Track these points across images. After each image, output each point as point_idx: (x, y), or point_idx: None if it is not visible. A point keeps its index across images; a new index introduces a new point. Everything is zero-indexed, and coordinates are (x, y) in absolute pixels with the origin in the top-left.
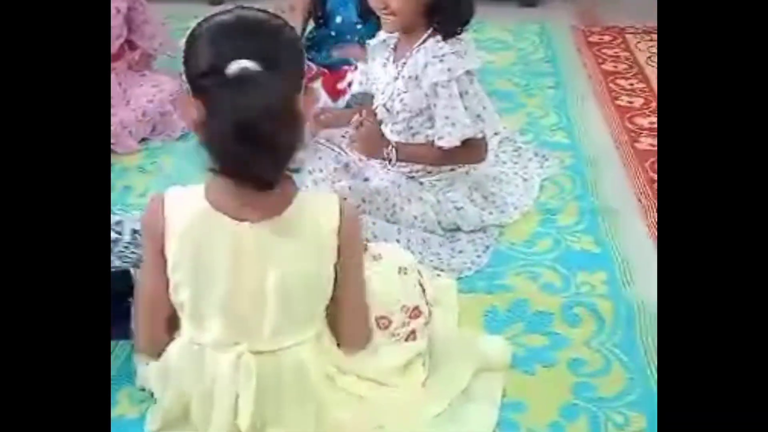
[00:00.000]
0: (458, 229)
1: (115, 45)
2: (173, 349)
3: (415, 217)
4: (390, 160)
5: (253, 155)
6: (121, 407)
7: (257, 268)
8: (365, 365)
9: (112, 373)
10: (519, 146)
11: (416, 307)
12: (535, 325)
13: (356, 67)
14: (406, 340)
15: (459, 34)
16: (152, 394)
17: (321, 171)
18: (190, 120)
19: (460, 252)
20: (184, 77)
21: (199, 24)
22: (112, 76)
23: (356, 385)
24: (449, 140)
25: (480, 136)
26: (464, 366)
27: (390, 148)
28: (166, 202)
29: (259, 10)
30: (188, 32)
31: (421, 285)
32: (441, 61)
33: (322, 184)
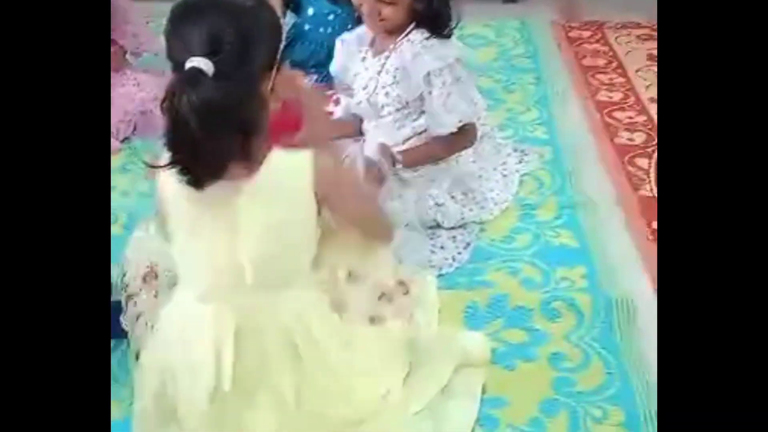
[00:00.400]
0: (438, 226)
1: None
2: (167, 310)
3: (396, 215)
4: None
5: (182, 153)
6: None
7: (231, 227)
8: (352, 329)
9: None
10: (498, 142)
11: (403, 283)
12: (515, 321)
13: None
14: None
15: (448, 37)
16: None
17: None
18: None
19: (441, 248)
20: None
21: (175, 6)
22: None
23: (341, 355)
24: (448, 127)
25: (475, 120)
26: (444, 363)
27: (397, 167)
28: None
29: None
30: (170, 11)
31: (402, 284)
32: (431, 50)
33: None
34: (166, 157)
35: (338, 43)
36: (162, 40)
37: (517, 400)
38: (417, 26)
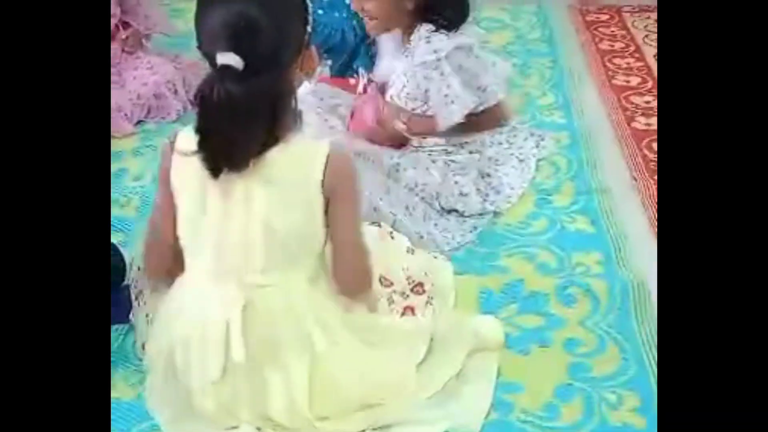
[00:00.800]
0: (456, 211)
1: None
2: (177, 285)
3: (416, 184)
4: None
5: (208, 142)
6: (118, 390)
7: (243, 207)
8: (365, 319)
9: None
10: (514, 126)
11: (420, 284)
12: (530, 306)
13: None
14: (402, 314)
15: (453, 28)
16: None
17: None
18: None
19: (445, 229)
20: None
21: None
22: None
23: (354, 343)
24: (452, 118)
25: (489, 105)
26: (458, 347)
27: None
28: (176, 142)
29: None
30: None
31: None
32: (428, 42)
33: None
34: (192, 143)
35: (378, 41)
36: (174, 23)
37: (531, 385)
38: (423, 21)
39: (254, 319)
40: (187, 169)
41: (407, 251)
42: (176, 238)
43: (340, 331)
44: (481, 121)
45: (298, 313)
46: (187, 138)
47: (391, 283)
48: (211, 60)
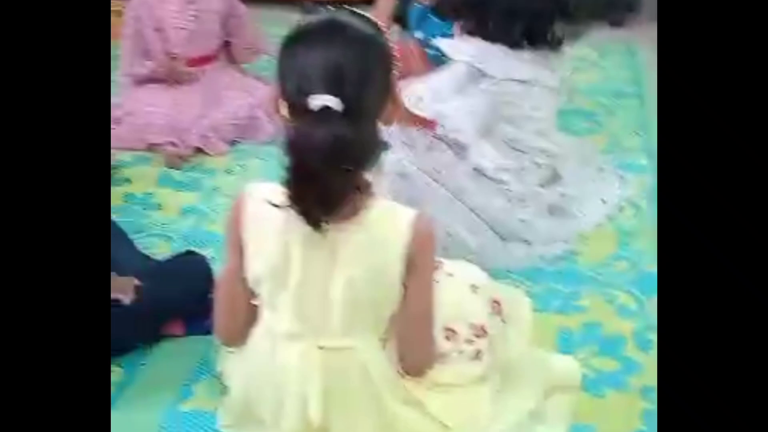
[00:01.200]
0: (523, 240)
1: (210, 47)
2: (253, 335)
3: (477, 207)
4: None
5: (307, 190)
6: (199, 400)
7: (326, 268)
8: (428, 375)
9: (192, 365)
10: (600, 167)
11: (482, 326)
12: (607, 349)
13: None
14: (472, 359)
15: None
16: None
17: None
18: (279, 118)
19: (510, 253)
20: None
21: (295, 29)
22: (205, 77)
23: (419, 388)
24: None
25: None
26: (534, 384)
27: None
28: (249, 196)
29: (354, 14)
30: (286, 36)
31: (496, 302)
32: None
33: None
34: (276, 195)
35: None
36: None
37: (605, 429)
38: None
39: (329, 380)
40: (266, 226)
41: (471, 290)
42: (249, 294)
43: (409, 391)
44: None
45: (372, 376)
46: (268, 191)
47: (455, 332)
48: (299, 102)
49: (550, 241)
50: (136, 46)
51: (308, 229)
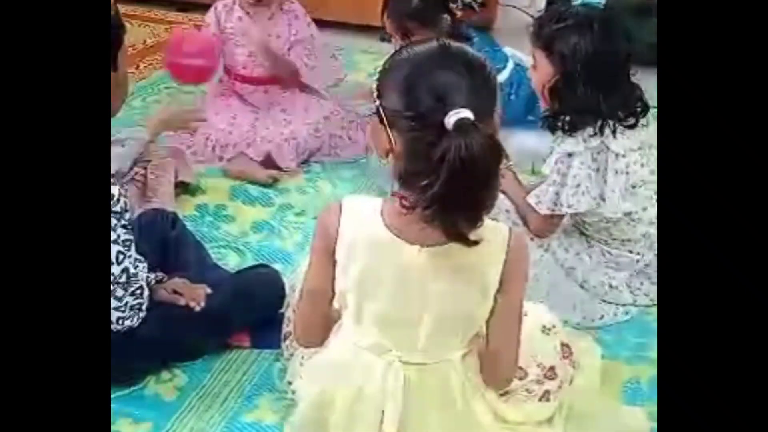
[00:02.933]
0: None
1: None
2: (334, 344)
3: (563, 266)
4: None
5: (459, 206)
6: (261, 412)
7: (419, 289)
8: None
9: (255, 380)
10: None
11: (552, 368)
12: None
13: None
14: (540, 400)
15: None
16: (293, 399)
17: None
18: (382, 148)
19: (593, 308)
20: (378, 105)
21: (399, 54)
22: (281, 97)
23: (496, 403)
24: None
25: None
26: None
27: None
28: (344, 208)
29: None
30: (387, 61)
31: (566, 346)
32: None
33: None
34: (376, 208)
35: None
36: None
37: None
38: None
39: (409, 395)
40: (361, 238)
41: (542, 330)
42: (331, 305)
43: (484, 415)
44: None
45: (449, 394)
46: (365, 204)
47: (526, 374)
48: (431, 121)
49: (633, 302)
50: None
51: (401, 252)
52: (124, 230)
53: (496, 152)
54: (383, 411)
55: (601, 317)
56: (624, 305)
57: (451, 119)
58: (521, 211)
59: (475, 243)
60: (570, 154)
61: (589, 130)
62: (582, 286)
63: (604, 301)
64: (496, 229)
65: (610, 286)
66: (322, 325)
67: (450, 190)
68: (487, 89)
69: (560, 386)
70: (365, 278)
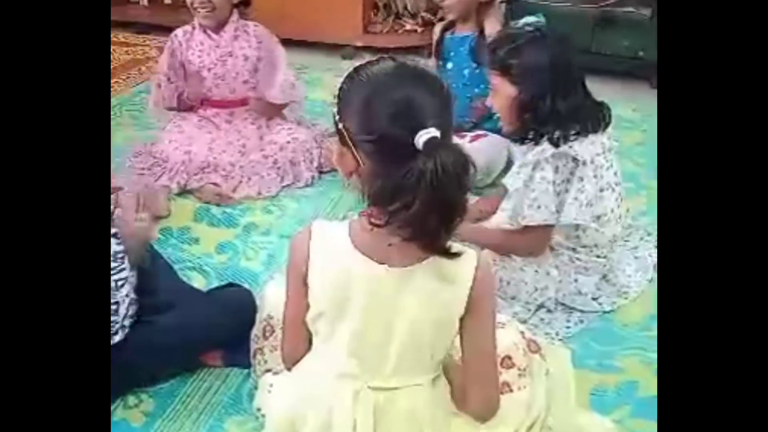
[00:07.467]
0: (565, 305)
1: (242, 91)
2: (304, 370)
3: (536, 289)
4: None
5: (438, 221)
6: None
7: (388, 310)
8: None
9: (223, 402)
10: (629, 224)
11: (509, 357)
12: (643, 410)
13: None
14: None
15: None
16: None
17: None
18: (347, 170)
19: (549, 323)
20: (341, 128)
21: (357, 75)
22: (240, 119)
23: (469, 427)
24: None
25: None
26: None
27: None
28: (313, 233)
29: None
30: (344, 82)
31: (533, 342)
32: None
33: None
34: (344, 231)
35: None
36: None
37: None
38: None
39: (378, 421)
40: (331, 262)
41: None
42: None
43: (456, 420)
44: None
45: (419, 418)
46: (329, 229)
47: None
48: (400, 142)
49: (594, 309)
50: (169, 81)
51: (370, 273)
52: (116, 240)
53: (465, 164)
54: None
55: (567, 327)
56: (592, 312)
57: (420, 139)
58: (499, 248)
59: (457, 255)
60: (534, 166)
61: (553, 138)
62: (557, 300)
63: (574, 309)
64: (463, 252)
65: (579, 292)
66: (307, 348)
67: (428, 208)
68: (446, 104)
69: (521, 375)
70: (336, 301)
